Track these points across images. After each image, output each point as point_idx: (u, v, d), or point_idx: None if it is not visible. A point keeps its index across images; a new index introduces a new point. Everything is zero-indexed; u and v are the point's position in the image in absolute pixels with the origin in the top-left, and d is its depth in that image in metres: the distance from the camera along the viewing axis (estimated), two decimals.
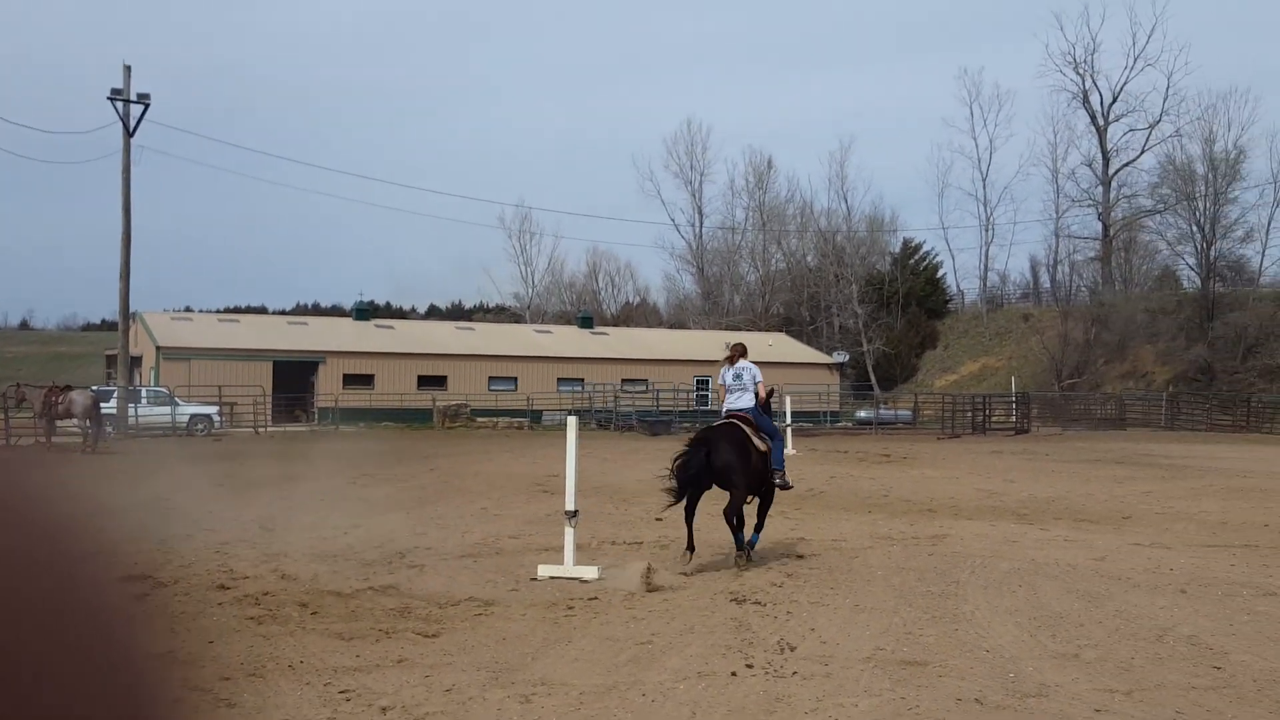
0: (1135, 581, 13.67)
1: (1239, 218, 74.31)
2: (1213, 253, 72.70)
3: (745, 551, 14.95)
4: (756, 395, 15.86)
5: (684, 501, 14.86)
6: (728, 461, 14.79)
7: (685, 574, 14.08)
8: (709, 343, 75.99)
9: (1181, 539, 17.71)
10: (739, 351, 16.34)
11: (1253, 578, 14.05)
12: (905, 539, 17.27)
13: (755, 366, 16.32)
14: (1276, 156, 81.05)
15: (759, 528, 15.67)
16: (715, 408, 62.89)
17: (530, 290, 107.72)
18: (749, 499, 15.20)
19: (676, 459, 15.13)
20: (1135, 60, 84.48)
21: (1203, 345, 68.67)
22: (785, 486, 16.10)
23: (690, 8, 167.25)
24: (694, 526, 14.85)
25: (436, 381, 65.10)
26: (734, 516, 14.77)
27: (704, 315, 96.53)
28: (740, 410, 15.71)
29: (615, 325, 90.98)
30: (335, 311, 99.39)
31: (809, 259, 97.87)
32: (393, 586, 12.96)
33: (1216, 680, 9.19)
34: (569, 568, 13.60)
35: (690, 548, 14.76)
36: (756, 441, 15.28)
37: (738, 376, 15.99)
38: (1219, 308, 70.15)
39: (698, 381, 69.91)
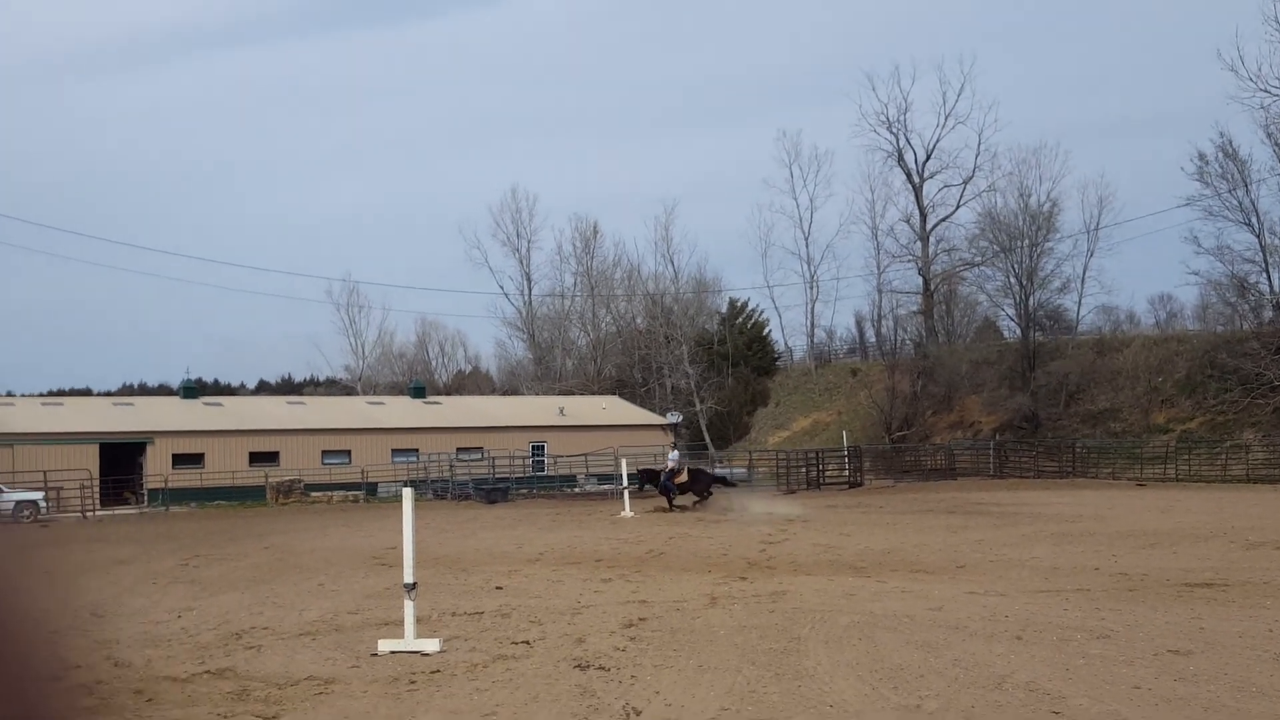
0: (972, 630, 13.87)
1: (1055, 268, 76.17)
2: (1032, 303, 74.31)
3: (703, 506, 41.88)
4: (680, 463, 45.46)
5: (669, 500, 42.12)
6: (683, 483, 43.28)
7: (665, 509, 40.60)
8: (543, 409, 76.03)
9: (1015, 585, 18.03)
10: (672, 444, 55.54)
11: (1085, 621, 14.34)
12: (746, 597, 17.35)
13: (678, 453, 48.99)
14: (1088, 208, 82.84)
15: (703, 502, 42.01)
16: (551, 473, 63.46)
17: (361, 362, 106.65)
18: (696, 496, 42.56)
19: (660, 485, 43.30)
20: (946, 119, 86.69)
21: (1026, 394, 70.16)
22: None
23: (513, 77, 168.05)
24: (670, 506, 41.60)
25: (268, 458, 63.89)
26: (696, 501, 42.43)
27: (536, 381, 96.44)
28: (675, 467, 43.95)
29: (448, 394, 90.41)
30: (162, 390, 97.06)
31: (639, 321, 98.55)
32: (229, 669, 12.69)
33: None
34: (410, 641, 13.45)
35: (671, 508, 41.42)
36: (683, 477, 43.53)
37: (678, 457, 46.59)
38: (1040, 357, 71.72)
39: (533, 447, 69.69)
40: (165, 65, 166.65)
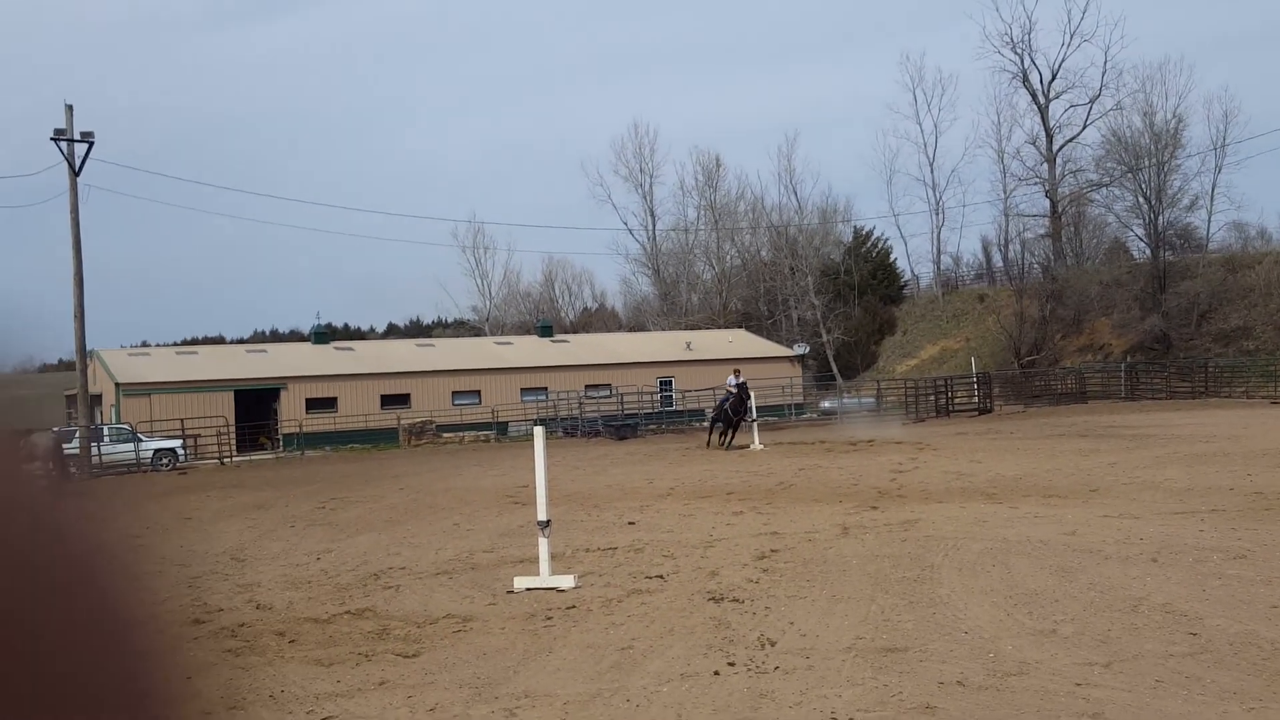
0: (1107, 553, 13.73)
1: (1183, 186, 74.36)
2: (1161, 222, 72.68)
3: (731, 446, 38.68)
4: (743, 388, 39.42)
5: (716, 426, 40.35)
6: (733, 407, 39.00)
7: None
8: (669, 344, 76.10)
9: (1150, 508, 17.75)
10: (736, 371, 41.59)
11: (1222, 542, 14.12)
12: (877, 526, 17.27)
13: (742, 375, 40.93)
14: (1214, 123, 79.95)
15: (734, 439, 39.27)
16: (679, 408, 63.51)
17: (488, 303, 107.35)
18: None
19: (714, 410, 42.19)
20: (1072, 37, 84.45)
21: (1157, 314, 68.70)
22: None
23: (628, 12, 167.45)
24: (712, 443, 39.88)
25: (400, 400, 64.86)
26: (732, 431, 39.33)
27: (662, 316, 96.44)
28: (735, 391, 39.26)
29: (574, 332, 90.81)
30: (294, 336, 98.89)
31: (763, 254, 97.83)
32: (369, 609, 12.92)
33: (1193, 646, 9.25)
34: (545, 578, 13.57)
35: (710, 445, 39.83)
36: (741, 403, 39.00)
37: (739, 380, 39.79)
38: (1171, 276, 70.11)
39: (661, 383, 69.89)
40: (292, 14, 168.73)
